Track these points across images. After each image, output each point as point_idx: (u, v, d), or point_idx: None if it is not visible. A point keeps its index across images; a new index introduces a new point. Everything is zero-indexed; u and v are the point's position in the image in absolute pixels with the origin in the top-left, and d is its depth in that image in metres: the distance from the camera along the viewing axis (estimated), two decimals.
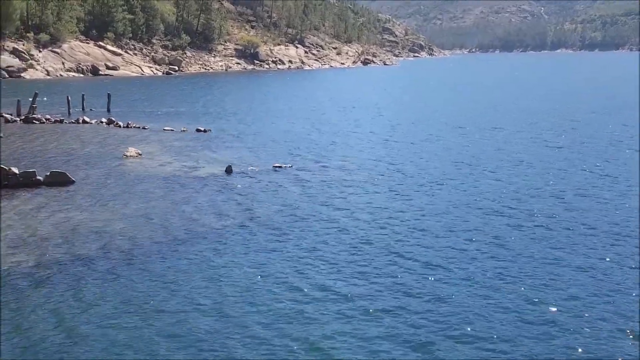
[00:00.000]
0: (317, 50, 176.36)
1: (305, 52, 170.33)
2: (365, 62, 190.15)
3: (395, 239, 21.92)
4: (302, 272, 18.82)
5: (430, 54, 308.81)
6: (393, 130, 48.98)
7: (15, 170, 29.23)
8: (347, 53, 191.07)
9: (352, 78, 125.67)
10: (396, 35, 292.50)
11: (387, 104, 70.31)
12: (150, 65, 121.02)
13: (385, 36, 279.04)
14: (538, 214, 25.01)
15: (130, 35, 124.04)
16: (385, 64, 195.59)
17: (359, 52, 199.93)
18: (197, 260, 19.79)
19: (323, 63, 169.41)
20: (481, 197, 27.75)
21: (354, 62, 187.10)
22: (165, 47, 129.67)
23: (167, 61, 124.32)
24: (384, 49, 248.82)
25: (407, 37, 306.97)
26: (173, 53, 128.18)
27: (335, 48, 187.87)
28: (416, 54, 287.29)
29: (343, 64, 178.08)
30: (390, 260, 19.79)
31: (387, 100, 75.05)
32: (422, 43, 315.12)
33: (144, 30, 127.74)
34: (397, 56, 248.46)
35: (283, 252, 20.50)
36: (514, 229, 23.12)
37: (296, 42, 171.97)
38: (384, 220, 24.18)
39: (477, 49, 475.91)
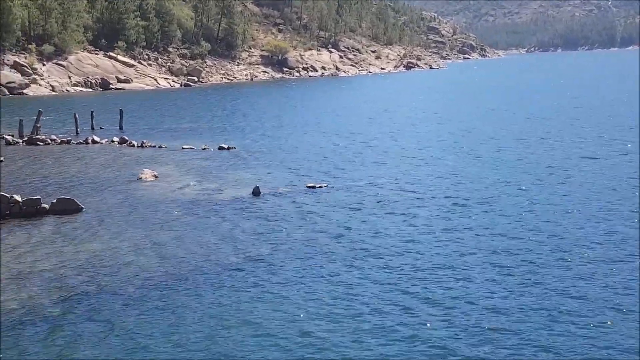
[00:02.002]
0: (354, 55, 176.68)
1: (340, 56, 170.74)
2: (409, 66, 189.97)
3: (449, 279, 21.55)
4: (335, 320, 18.39)
5: (483, 55, 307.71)
6: (440, 147, 48.48)
7: (18, 197, 29.45)
8: (387, 56, 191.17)
9: (393, 86, 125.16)
10: (443, 35, 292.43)
11: (435, 117, 69.68)
12: (167, 76, 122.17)
13: (431, 36, 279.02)
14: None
15: (144, 43, 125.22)
16: (431, 68, 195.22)
17: (401, 55, 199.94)
18: (214, 299, 19.64)
19: (360, 69, 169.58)
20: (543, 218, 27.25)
21: (396, 66, 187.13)
22: (183, 56, 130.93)
23: (185, 71, 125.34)
24: (430, 50, 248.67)
25: (455, 36, 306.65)
26: (192, 62, 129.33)
27: (374, 51, 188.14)
28: (466, 56, 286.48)
29: (383, 69, 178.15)
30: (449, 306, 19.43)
31: (434, 112, 74.40)
32: (473, 43, 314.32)
33: (159, 37, 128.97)
34: (444, 58, 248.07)
35: (320, 291, 20.24)
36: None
37: (329, 46, 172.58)
38: (432, 253, 23.80)
39: (535, 48, 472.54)
